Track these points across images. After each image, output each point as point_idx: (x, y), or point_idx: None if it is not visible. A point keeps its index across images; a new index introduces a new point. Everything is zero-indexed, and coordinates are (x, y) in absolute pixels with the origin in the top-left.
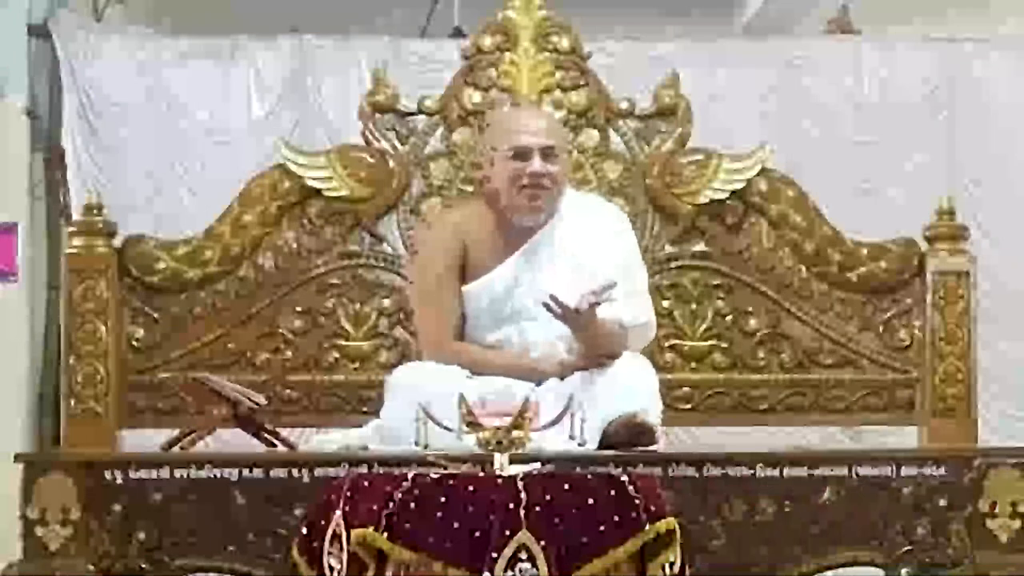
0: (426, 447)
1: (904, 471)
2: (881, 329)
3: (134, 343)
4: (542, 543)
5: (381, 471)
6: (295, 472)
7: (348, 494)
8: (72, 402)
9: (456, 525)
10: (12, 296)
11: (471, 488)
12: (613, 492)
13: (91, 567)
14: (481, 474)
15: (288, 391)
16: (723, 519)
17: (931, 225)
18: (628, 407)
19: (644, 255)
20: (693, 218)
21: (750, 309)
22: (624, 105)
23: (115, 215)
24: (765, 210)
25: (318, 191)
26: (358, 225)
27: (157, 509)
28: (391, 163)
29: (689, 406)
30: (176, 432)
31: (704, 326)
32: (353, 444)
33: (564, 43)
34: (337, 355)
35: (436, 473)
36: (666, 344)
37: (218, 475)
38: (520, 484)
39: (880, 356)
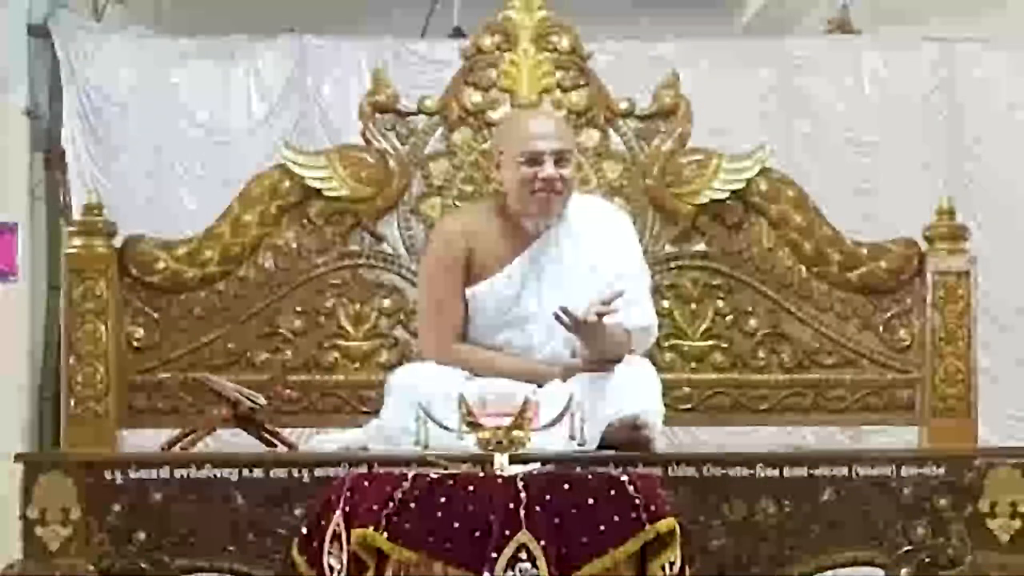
0: (426, 447)
1: (904, 471)
2: (881, 329)
3: (134, 343)
4: (542, 543)
5: (381, 471)
6: (295, 472)
7: (348, 494)
8: (72, 402)
9: (456, 525)
10: (12, 296)
11: (471, 488)
12: (613, 492)
13: (91, 567)
14: (481, 474)
15: (288, 391)
16: (723, 519)
17: (931, 225)
18: (629, 408)
19: (644, 255)
20: (693, 218)
21: (750, 309)
22: (624, 105)
23: (115, 215)
24: (765, 210)
25: (318, 191)
26: (358, 225)
27: (157, 509)
28: (391, 163)
29: (689, 406)
30: (176, 432)
31: (704, 326)
32: (353, 444)
33: (564, 43)
34: (337, 355)
35: (436, 473)
36: (666, 344)
37: (218, 475)
38: (520, 484)
39: (880, 356)
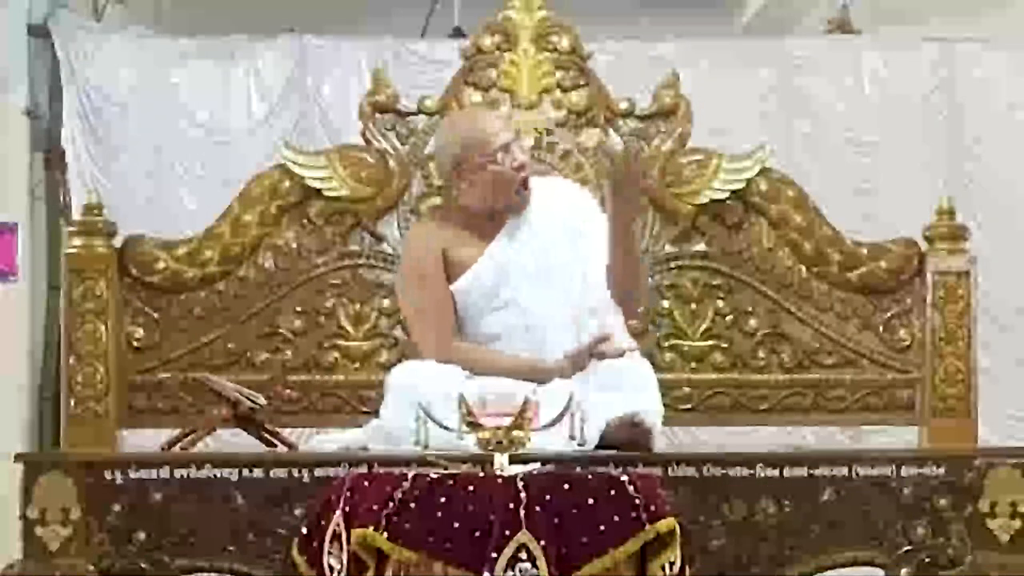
0: (426, 447)
1: (904, 471)
2: (881, 329)
3: (134, 343)
4: (542, 543)
5: (381, 471)
6: (295, 472)
7: (348, 494)
8: (72, 402)
9: (456, 525)
10: (12, 296)
11: (471, 488)
12: (613, 492)
13: (91, 567)
14: (481, 474)
15: (288, 391)
16: (723, 519)
17: (931, 225)
18: (628, 408)
19: (644, 255)
20: (693, 218)
21: (750, 309)
22: (624, 105)
23: (115, 215)
24: (765, 210)
25: (318, 191)
26: (358, 225)
27: (157, 509)
28: (391, 163)
29: (689, 406)
30: (176, 432)
31: (704, 326)
32: (353, 444)
33: (564, 43)
34: (337, 355)
35: (436, 473)
36: (666, 344)
37: (218, 475)
38: (520, 484)
39: (880, 356)
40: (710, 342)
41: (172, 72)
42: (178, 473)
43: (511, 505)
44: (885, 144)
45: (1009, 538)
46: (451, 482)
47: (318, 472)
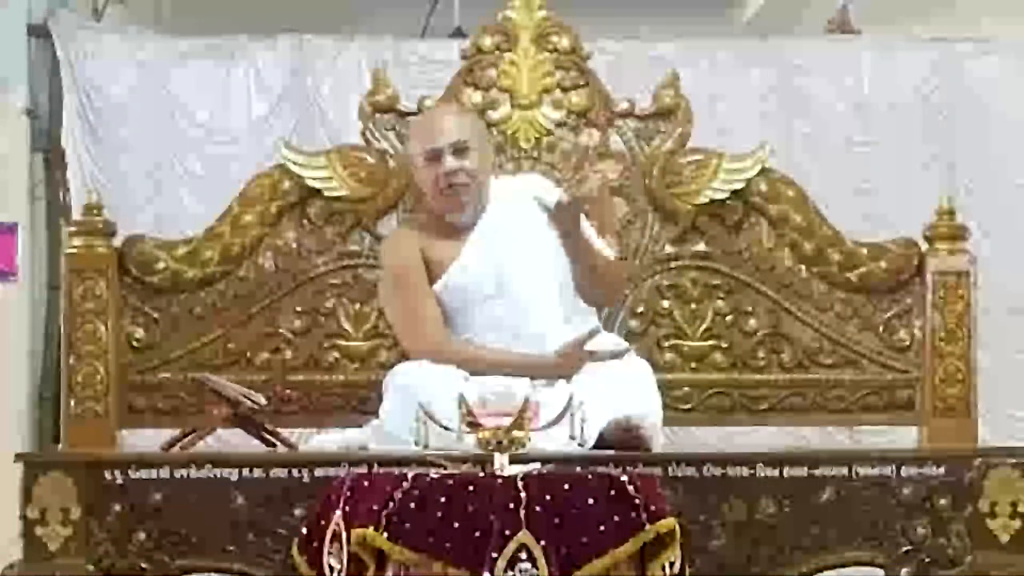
0: (426, 447)
1: (904, 471)
2: (881, 329)
3: (134, 343)
4: (542, 543)
5: (381, 471)
6: (295, 472)
7: (348, 494)
8: (72, 402)
9: (456, 525)
10: (12, 296)
11: (471, 488)
12: (613, 492)
13: (91, 567)
14: (481, 474)
15: (288, 391)
16: (723, 519)
17: (931, 225)
18: (628, 408)
19: (644, 255)
20: (693, 218)
21: (750, 309)
22: (624, 105)
23: (115, 215)
24: (765, 210)
25: (318, 191)
26: (358, 225)
27: (157, 509)
28: (391, 163)
29: (689, 406)
30: (176, 432)
31: (704, 326)
32: (353, 444)
33: (564, 43)
34: (337, 355)
35: (436, 473)
36: (666, 344)
37: (218, 475)
38: (520, 484)
39: (880, 356)
40: (710, 342)
41: (172, 72)
42: (178, 473)
43: (511, 505)
44: (885, 144)
45: (1009, 538)
46: (451, 482)
47: (318, 472)
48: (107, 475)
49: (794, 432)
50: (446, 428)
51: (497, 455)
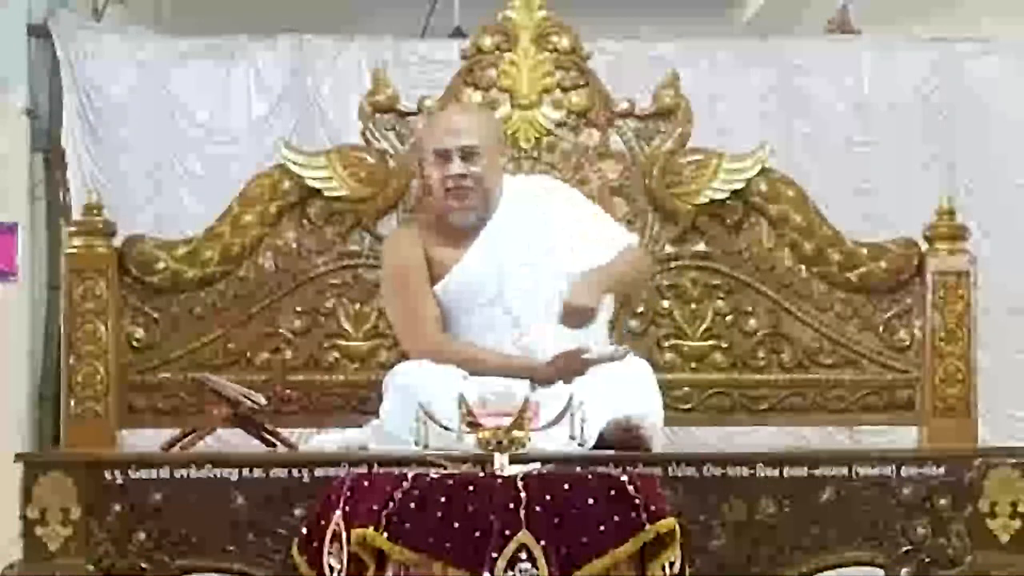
0: (426, 447)
1: (904, 471)
2: (881, 329)
3: (134, 343)
4: (542, 543)
5: (381, 471)
6: (295, 472)
7: (348, 494)
8: (72, 402)
9: (456, 525)
10: (12, 296)
11: (471, 488)
12: (613, 492)
13: (91, 567)
14: (481, 474)
15: (288, 391)
16: (723, 519)
17: (931, 225)
18: (628, 408)
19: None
20: (693, 218)
21: (750, 309)
22: (624, 105)
23: (115, 215)
24: (765, 210)
25: (318, 191)
26: (358, 225)
27: (157, 509)
28: (391, 163)
29: (689, 406)
30: (176, 432)
31: (704, 326)
32: (353, 444)
33: (564, 43)
34: (337, 355)
35: (436, 473)
36: (666, 344)
37: (218, 475)
38: (520, 484)
39: (880, 356)
40: (710, 342)
41: (172, 72)
42: (178, 473)
43: (511, 505)
44: (885, 144)
45: (1009, 538)
46: (451, 482)
47: (318, 472)
48: (107, 475)
49: (794, 432)
50: (446, 428)
51: (497, 455)
